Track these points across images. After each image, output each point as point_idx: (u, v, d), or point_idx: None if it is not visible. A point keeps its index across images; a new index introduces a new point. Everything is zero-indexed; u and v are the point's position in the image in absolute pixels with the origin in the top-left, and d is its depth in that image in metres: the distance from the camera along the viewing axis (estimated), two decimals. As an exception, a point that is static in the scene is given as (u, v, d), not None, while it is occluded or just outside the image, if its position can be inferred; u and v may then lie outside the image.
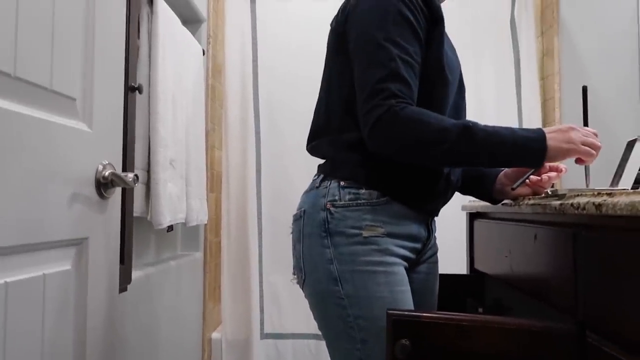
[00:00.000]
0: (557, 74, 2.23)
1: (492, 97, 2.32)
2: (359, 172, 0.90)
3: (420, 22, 0.87)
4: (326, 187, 0.92)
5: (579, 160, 0.92)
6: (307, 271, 0.91)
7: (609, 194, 0.68)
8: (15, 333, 0.70)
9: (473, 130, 0.83)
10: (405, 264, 0.92)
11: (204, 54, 2.21)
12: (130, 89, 1.32)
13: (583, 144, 0.89)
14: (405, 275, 0.91)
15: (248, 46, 2.33)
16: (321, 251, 0.88)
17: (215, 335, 2.37)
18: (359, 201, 0.89)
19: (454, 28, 2.40)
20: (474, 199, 1.82)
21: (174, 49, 1.76)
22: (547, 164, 0.98)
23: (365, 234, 0.87)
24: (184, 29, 1.91)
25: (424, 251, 1.01)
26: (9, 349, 0.68)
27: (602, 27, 1.93)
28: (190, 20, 2.24)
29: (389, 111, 0.81)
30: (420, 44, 0.87)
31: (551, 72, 2.27)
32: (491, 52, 2.34)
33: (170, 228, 1.95)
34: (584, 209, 0.73)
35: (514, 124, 2.24)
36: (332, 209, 0.89)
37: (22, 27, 0.70)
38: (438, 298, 1.16)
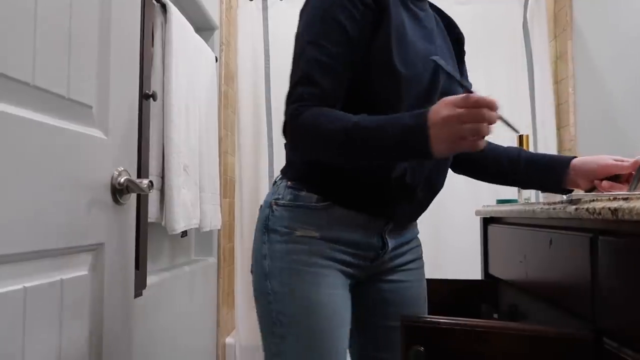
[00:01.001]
0: (571, 77, 2.21)
1: (505, 102, 2.31)
2: (303, 174, 0.91)
3: (357, 19, 0.83)
4: (277, 186, 0.94)
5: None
6: (252, 266, 0.92)
7: (625, 199, 0.67)
8: (33, 337, 0.71)
9: (354, 133, 0.76)
10: (347, 269, 0.90)
11: (216, 60, 2.23)
12: (145, 97, 1.33)
13: (468, 131, 0.73)
14: (341, 278, 0.89)
15: (260, 53, 2.35)
16: (260, 247, 0.90)
17: (229, 340, 2.37)
18: (297, 202, 0.89)
19: (465, 32, 2.39)
20: (488, 203, 1.81)
21: (187, 56, 1.78)
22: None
23: (298, 233, 0.87)
24: (197, 36, 1.93)
25: (382, 259, 0.95)
26: (27, 352, 0.69)
27: (616, 30, 1.91)
28: (203, 27, 2.26)
29: (291, 115, 0.81)
30: (350, 44, 0.83)
31: (565, 75, 2.25)
32: (503, 56, 2.33)
33: (185, 233, 1.97)
34: (599, 214, 0.72)
35: (528, 129, 2.23)
36: (274, 207, 0.91)
37: (40, 37, 0.72)
38: (452, 304, 1.15)
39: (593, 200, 0.76)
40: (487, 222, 1.49)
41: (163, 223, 1.66)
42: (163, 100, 1.64)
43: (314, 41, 0.83)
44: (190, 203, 1.75)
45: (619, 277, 0.71)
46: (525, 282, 1.15)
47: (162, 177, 1.64)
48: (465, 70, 1.14)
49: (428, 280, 1.42)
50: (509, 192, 2.06)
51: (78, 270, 0.83)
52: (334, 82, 0.83)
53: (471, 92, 0.74)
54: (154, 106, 1.56)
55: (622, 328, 0.70)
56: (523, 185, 1.07)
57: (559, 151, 2.28)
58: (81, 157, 0.82)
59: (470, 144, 0.73)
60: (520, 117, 2.29)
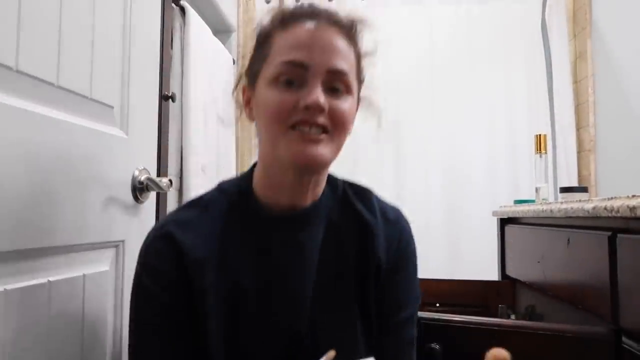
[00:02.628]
0: (591, 77, 2.18)
1: (524, 102, 2.29)
2: None
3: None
4: None
5: None
6: None
7: (645, 196, 0.67)
8: (57, 330, 0.73)
9: None
10: None
11: (234, 63, 2.25)
12: (164, 98, 1.36)
13: None
14: None
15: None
16: None
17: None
18: None
19: (483, 32, 2.39)
20: (505, 203, 1.79)
21: (205, 58, 1.81)
22: None
23: None
24: (215, 38, 1.96)
25: None
26: (51, 344, 0.71)
27: (636, 28, 1.88)
28: (221, 30, 2.29)
29: None
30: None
31: (585, 75, 2.22)
32: (522, 56, 2.31)
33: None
34: (618, 211, 0.72)
35: (547, 129, 2.20)
36: None
37: (64, 38, 0.74)
38: (469, 304, 1.14)
39: (611, 199, 0.75)
40: (504, 222, 1.49)
41: (181, 222, 1.68)
42: (182, 102, 1.66)
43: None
44: (208, 203, 1.77)
45: (638, 275, 0.70)
46: (542, 283, 1.14)
47: (180, 178, 1.66)
48: (371, 286, 0.73)
49: (444, 280, 1.42)
50: (527, 192, 2.04)
51: (100, 267, 0.85)
52: None
53: None
54: (172, 107, 1.58)
55: (642, 327, 0.70)
56: None
57: (578, 152, 2.25)
58: (103, 155, 0.84)
59: None
60: (539, 117, 2.26)
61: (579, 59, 2.30)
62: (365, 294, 0.71)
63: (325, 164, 0.66)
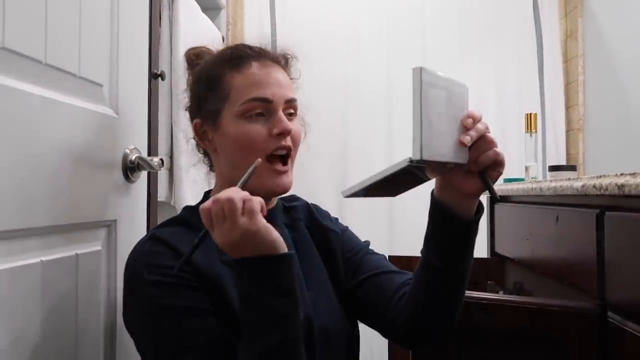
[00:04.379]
0: (581, 56, 2.19)
1: (514, 81, 2.29)
2: None
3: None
4: None
5: None
6: None
7: (632, 174, 0.68)
8: (50, 309, 0.73)
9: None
10: None
11: (223, 40, 2.22)
12: (154, 76, 1.34)
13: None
14: None
15: (267, 32, 2.34)
16: None
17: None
18: None
19: (475, 11, 2.37)
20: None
21: (194, 36, 1.78)
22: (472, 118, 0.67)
23: None
24: (204, 16, 1.92)
25: None
26: (45, 324, 0.72)
27: (628, 8, 1.88)
28: (210, 7, 2.25)
29: None
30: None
31: (575, 54, 2.23)
32: (513, 34, 2.30)
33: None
34: (606, 189, 0.73)
35: (536, 108, 2.21)
36: None
37: (51, 15, 0.72)
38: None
39: (600, 177, 0.76)
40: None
41: (172, 202, 1.68)
42: (171, 80, 1.64)
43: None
44: (200, 182, 1.77)
45: (625, 252, 0.72)
46: (531, 260, 1.16)
47: (171, 157, 1.65)
48: (343, 242, 0.89)
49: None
50: (516, 171, 2.06)
51: (92, 246, 0.85)
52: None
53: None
54: (162, 86, 1.56)
55: (627, 302, 0.72)
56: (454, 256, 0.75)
57: (567, 130, 2.27)
58: (93, 134, 0.83)
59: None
60: (529, 96, 2.27)
61: (569, 37, 2.30)
62: (336, 266, 0.86)
63: (286, 189, 0.79)
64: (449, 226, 0.71)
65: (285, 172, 0.78)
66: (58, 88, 0.75)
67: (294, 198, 0.94)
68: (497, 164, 0.66)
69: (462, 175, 0.68)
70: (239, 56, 0.80)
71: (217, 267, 0.72)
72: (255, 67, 0.78)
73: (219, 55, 0.83)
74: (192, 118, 0.85)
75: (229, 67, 0.79)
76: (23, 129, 0.67)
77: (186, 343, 0.67)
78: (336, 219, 0.96)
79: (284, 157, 0.78)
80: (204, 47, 0.89)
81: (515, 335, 0.85)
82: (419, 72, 0.58)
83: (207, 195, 0.86)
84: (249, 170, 0.69)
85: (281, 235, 0.67)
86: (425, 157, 0.58)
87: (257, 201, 0.63)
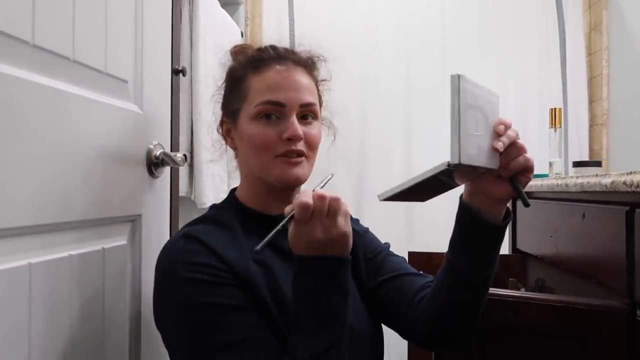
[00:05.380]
0: (606, 49, 2.14)
1: (536, 75, 2.25)
2: None
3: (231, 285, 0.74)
4: None
5: None
6: None
7: (665, 171, 0.66)
8: (79, 302, 0.74)
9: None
10: None
11: (242, 36, 2.22)
12: (175, 72, 1.35)
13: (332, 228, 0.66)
14: None
15: (285, 27, 2.34)
16: None
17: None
18: None
19: (495, 2, 2.33)
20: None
21: (214, 31, 1.78)
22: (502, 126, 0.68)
23: None
24: (223, 11, 1.93)
25: None
26: (74, 317, 0.73)
27: (656, -1, 1.83)
28: (229, 2, 2.25)
29: None
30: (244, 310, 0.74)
31: (599, 47, 2.18)
32: (535, 27, 2.26)
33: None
34: (637, 186, 0.71)
35: (559, 103, 2.17)
36: None
37: (79, 13, 0.73)
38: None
39: (630, 173, 0.75)
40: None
41: (192, 197, 1.69)
42: (191, 76, 1.65)
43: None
44: (219, 177, 1.78)
45: (655, 250, 0.71)
46: (554, 257, 1.14)
47: (191, 152, 1.67)
48: (363, 243, 0.90)
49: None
50: (540, 167, 2.03)
51: (118, 240, 0.86)
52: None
53: None
54: (182, 82, 1.57)
55: (657, 301, 0.70)
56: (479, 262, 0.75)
57: (590, 125, 2.23)
58: (119, 130, 0.84)
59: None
60: (551, 89, 2.23)
61: (593, 30, 2.25)
62: (359, 271, 0.85)
63: (306, 178, 0.80)
64: (477, 230, 0.71)
65: (298, 163, 0.77)
66: (86, 85, 0.76)
67: None
68: (527, 170, 0.68)
69: (492, 181, 0.69)
70: (261, 58, 0.82)
71: (250, 266, 0.73)
72: (274, 70, 0.79)
73: (246, 56, 0.84)
74: (221, 115, 0.87)
75: (252, 68, 0.81)
76: (53, 126, 0.68)
77: (223, 339, 0.67)
78: (357, 220, 0.96)
79: (297, 154, 0.78)
80: (247, 44, 0.90)
81: (540, 334, 0.84)
82: (457, 79, 0.60)
83: (233, 192, 0.86)
84: (328, 178, 0.74)
85: None
86: (463, 161, 0.59)
87: (347, 205, 0.67)
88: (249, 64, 0.82)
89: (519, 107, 2.24)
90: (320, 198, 0.65)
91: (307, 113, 0.80)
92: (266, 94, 0.77)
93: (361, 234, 0.91)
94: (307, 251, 0.66)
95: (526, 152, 0.67)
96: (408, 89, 2.29)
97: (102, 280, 0.80)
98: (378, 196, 0.71)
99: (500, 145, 0.65)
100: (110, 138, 0.82)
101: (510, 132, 0.67)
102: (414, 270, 0.87)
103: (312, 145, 0.80)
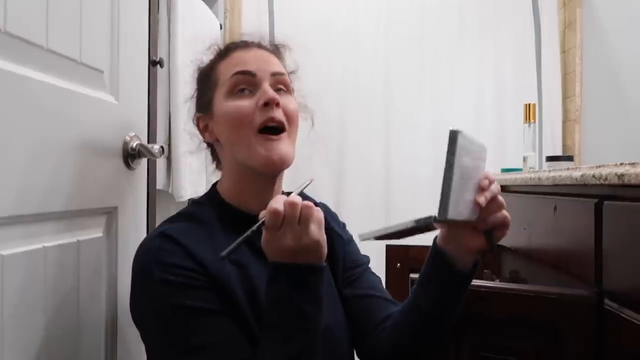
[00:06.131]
0: (579, 47, 2.19)
1: (511, 71, 2.29)
2: None
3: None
4: None
5: None
6: None
7: (632, 164, 0.69)
8: (53, 294, 0.73)
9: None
10: None
11: (221, 28, 2.20)
12: (152, 63, 1.33)
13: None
14: None
15: (265, 20, 2.33)
16: None
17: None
18: None
19: (475, 1, 2.36)
20: (491, 172, 1.82)
21: (192, 22, 1.76)
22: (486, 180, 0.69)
23: None
24: (202, 3, 1.91)
25: None
26: (49, 309, 0.72)
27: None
28: (207, -6, 2.23)
29: None
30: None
31: (573, 45, 2.23)
32: (512, 24, 2.30)
33: (191, 201, 1.99)
34: (606, 179, 0.74)
35: (534, 98, 2.22)
36: None
37: (52, 1, 0.72)
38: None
39: (599, 167, 0.77)
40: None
41: (170, 190, 1.68)
42: (169, 68, 1.63)
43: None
44: (197, 171, 1.77)
45: (623, 241, 0.73)
46: (527, 249, 1.17)
47: (169, 145, 1.65)
48: (346, 251, 0.91)
49: (428, 247, 1.44)
50: (513, 161, 2.07)
51: (94, 233, 0.85)
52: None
53: None
54: (160, 73, 1.55)
55: (624, 290, 0.73)
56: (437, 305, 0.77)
57: (564, 121, 2.28)
58: (94, 121, 0.83)
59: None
60: (526, 86, 2.28)
61: (567, 28, 2.30)
62: (337, 271, 0.86)
63: (290, 159, 0.77)
64: (446, 275, 0.73)
65: (280, 139, 0.75)
66: (59, 74, 0.74)
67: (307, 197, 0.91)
68: (504, 226, 0.69)
69: (468, 231, 0.70)
70: (226, 48, 0.84)
71: (226, 268, 0.71)
72: (239, 52, 0.81)
73: (212, 50, 0.87)
74: (196, 114, 0.86)
75: (219, 57, 0.82)
76: (25, 115, 0.67)
77: (196, 343, 0.66)
78: (344, 224, 0.96)
79: (278, 129, 0.76)
80: (215, 44, 0.90)
81: (513, 323, 0.86)
82: (456, 135, 0.59)
83: (214, 187, 0.84)
84: (306, 183, 0.72)
85: None
86: (449, 217, 0.60)
87: (321, 212, 0.66)
88: (216, 56, 0.83)
89: (496, 102, 2.28)
90: (291, 205, 0.63)
91: (280, 86, 0.79)
92: (235, 68, 0.77)
93: (344, 240, 0.90)
94: (280, 258, 0.65)
95: (505, 209, 0.69)
96: (387, 85, 2.31)
97: (77, 273, 0.79)
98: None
99: (482, 200, 0.66)
100: (85, 129, 0.81)
101: (493, 187, 0.68)
102: (387, 294, 0.88)
103: (290, 118, 0.77)
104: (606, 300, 0.77)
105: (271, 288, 0.66)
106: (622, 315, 0.72)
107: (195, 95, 0.86)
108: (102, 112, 0.86)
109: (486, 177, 0.68)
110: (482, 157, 0.69)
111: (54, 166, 0.73)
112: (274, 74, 0.78)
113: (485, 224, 0.68)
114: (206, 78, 0.83)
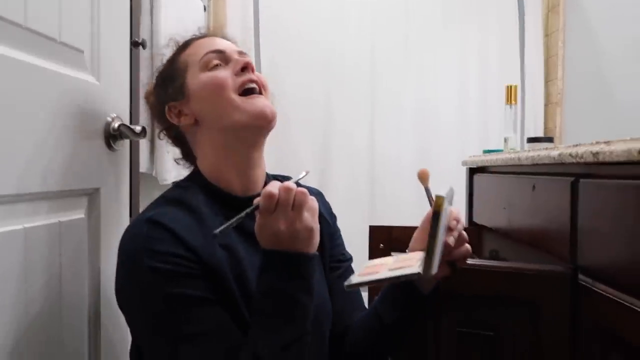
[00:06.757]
0: (562, 30, 2.21)
1: (495, 54, 2.31)
2: None
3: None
4: None
5: None
6: None
7: (606, 142, 0.70)
8: (35, 276, 0.73)
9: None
10: None
11: (204, 10, 2.17)
12: (134, 44, 1.31)
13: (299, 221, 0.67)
14: None
15: (249, 1, 2.30)
16: None
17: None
18: None
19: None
20: (474, 154, 1.85)
21: (175, 4, 1.74)
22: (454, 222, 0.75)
23: None
24: (184, -17, 1.88)
25: None
26: (30, 291, 0.72)
27: (609, -19, 1.89)
28: (190, -26, 2.19)
29: None
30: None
31: (556, 28, 2.25)
32: (495, 7, 2.31)
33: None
34: (582, 157, 0.75)
35: (517, 81, 2.24)
36: None
37: (29, -23, 0.71)
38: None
39: (576, 145, 0.79)
40: (473, 172, 1.53)
41: (154, 173, 1.67)
42: (151, 49, 1.61)
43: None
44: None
45: (598, 217, 0.75)
46: (507, 228, 1.20)
47: (152, 128, 1.63)
48: (337, 245, 0.94)
49: (411, 227, 1.46)
50: (495, 143, 2.10)
51: (76, 214, 0.85)
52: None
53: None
54: (142, 55, 1.53)
55: (597, 265, 0.75)
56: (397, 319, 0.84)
57: (546, 104, 2.31)
58: (75, 101, 0.82)
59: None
60: (510, 69, 2.29)
61: (551, 11, 2.31)
62: (322, 253, 0.87)
63: (274, 115, 0.80)
64: (409, 294, 0.80)
65: (262, 96, 0.81)
66: (38, 53, 0.73)
67: (311, 189, 0.93)
68: (466, 257, 0.78)
69: None
70: (189, 39, 0.88)
71: (217, 252, 0.71)
72: (203, 39, 0.86)
73: (174, 43, 0.90)
74: (164, 110, 0.84)
75: (182, 48, 0.87)
76: (4, 94, 0.66)
77: (187, 331, 0.66)
78: (336, 217, 0.97)
79: (259, 91, 0.81)
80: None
81: (491, 299, 0.88)
82: (442, 202, 0.63)
83: (196, 168, 0.84)
84: (302, 175, 0.74)
85: None
86: (433, 274, 0.64)
87: (316, 202, 0.68)
88: (179, 47, 0.88)
89: (479, 84, 2.29)
90: (286, 190, 0.65)
91: (246, 67, 0.81)
92: (205, 49, 0.82)
93: (331, 226, 0.92)
94: (273, 244, 0.66)
95: (468, 242, 0.77)
96: (373, 67, 2.31)
97: (59, 254, 0.79)
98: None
99: (452, 240, 0.73)
100: (66, 109, 0.80)
101: (459, 226, 0.76)
102: (362, 302, 0.93)
103: (264, 85, 0.82)
104: (580, 276, 0.79)
105: (264, 276, 0.67)
106: (595, 289, 0.74)
107: (161, 91, 0.85)
108: (83, 92, 0.85)
109: (455, 218, 0.75)
110: (451, 200, 0.75)
111: (34, 146, 0.72)
112: (240, 53, 0.84)
113: (450, 257, 0.75)
114: (173, 69, 0.85)
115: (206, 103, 0.80)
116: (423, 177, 0.78)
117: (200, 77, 0.80)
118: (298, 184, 0.71)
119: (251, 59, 0.85)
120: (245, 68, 0.80)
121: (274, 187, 0.65)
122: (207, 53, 0.81)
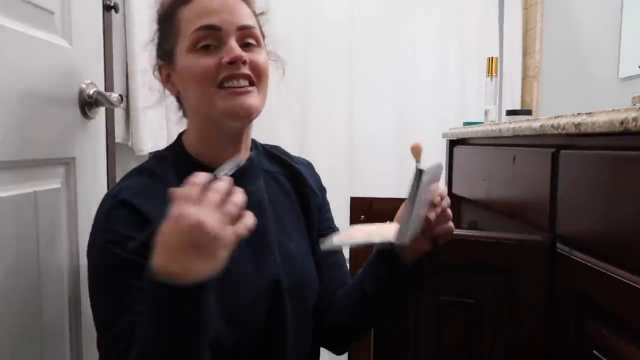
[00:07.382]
0: (540, 3, 2.21)
1: (475, 27, 2.30)
2: None
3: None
4: None
5: None
6: None
7: (589, 114, 0.71)
8: (10, 247, 0.71)
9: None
10: None
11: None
12: (106, 8, 1.26)
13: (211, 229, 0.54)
14: None
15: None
16: None
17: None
18: None
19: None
20: (453, 126, 1.85)
21: (149, -34, 1.67)
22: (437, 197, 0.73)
23: None
24: (158, -55, 1.80)
25: None
26: (6, 259, 0.70)
27: (589, -46, 1.89)
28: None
29: None
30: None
31: (535, 1, 2.25)
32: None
33: (151, 156, 1.94)
34: (563, 128, 0.76)
35: (496, 54, 2.24)
36: None
37: None
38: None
39: (558, 117, 0.79)
40: (454, 144, 1.54)
41: (130, 144, 1.63)
42: (124, 14, 1.55)
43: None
44: (158, 123, 1.72)
45: (577, 187, 0.77)
46: (487, 199, 1.21)
47: (127, 97, 1.59)
48: (326, 218, 0.93)
49: (394, 199, 1.47)
50: (475, 115, 2.11)
51: (51, 184, 0.82)
52: None
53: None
54: (115, 20, 1.47)
55: (575, 234, 0.77)
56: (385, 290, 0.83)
57: (523, 78, 2.33)
58: (46, 65, 0.79)
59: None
60: (489, 42, 2.29)
61: (530, -17, 2.30)
62: (310, 226, 0.87)
63: (257, 111, 0.75)
64: (392, 267, 0.79)
65: (247, 92, 0.72)
66: (5, 13, 0.69)
67: (301, 160, 0.93)
68: (448, 235, 0.76)
69: (418, 235, 0.73)
70: None
71: None
72: None
73: None
74: (157, 60, 0.81)
75: (180, 2, 0.75)
76: (-30, 56, 0.62)
77: (117, 319, 0.64)
78: (325, 190, 0.95)
79: (245, 84, 0.72)
80: None
81: (471, 268, 0.90)
82: (420, 175, 0.65)
83: (179, 138, 0.81)
84: (232, 164, 0.63)
85: (254, 189, 0.76)
86: (407, 241, 0.68)
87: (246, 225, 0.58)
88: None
89: (458, 56, 2.29)
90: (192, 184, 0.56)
91: (249, 39, 0.74)
92: (198, 21, 0.71)
93: (319, 198, 0.90)
94: (173, 261, 0.54)
95: (451, 220, 0.75)
96: (351, 38, 2.26)
97: (36, 224, 0.77)
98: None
99: (433, 216, 0.72)
100: (37, 73, 0.76)
101: (444, 203, 0.74)
102: (347, 276, 0.92)
103: (259, 74, 0.74)
104: (558, 244, 0.81)
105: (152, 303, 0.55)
106: (572, 257, 0.76)
107: (157, 39, 0.81)
108: (54, 56, 0.81)
109: (439, 194, 0.73)
110: (437, 176, 0.75)
111: (5, 113, 0.69)
112: (240, 28, 0.73)
113: (433, 232, 0.74)
114: (167, 23, 0.77)
115: (186, 85, 0.75)
116: (416, 152, 0.76)
117: (185, 56, 0.73)
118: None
119: (253, 28, 0.75)
120: (234, 62, 0.71)
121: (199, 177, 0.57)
122: (198, 29, 0.71)
